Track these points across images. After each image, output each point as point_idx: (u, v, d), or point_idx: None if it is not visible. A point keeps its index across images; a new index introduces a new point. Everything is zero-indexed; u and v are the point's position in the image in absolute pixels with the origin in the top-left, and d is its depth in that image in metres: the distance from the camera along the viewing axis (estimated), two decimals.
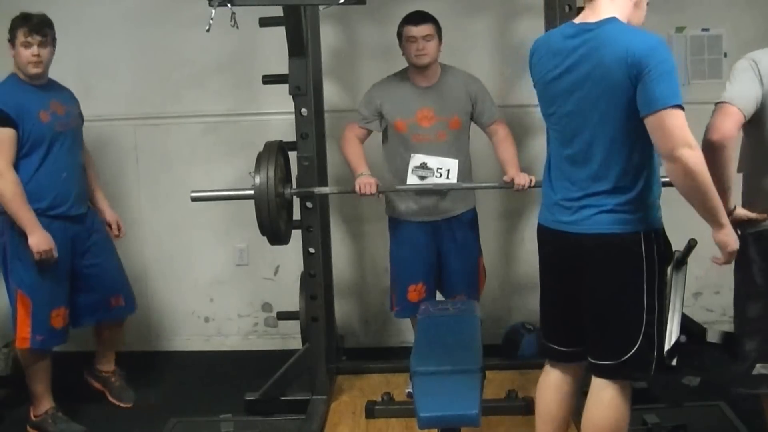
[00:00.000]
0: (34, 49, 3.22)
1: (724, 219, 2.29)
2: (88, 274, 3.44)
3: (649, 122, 2.16)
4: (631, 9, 2.31)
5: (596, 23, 2.26)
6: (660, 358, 2.36)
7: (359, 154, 3.39)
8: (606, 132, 2.26)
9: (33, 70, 3.24)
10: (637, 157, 2.26)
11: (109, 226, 3.60)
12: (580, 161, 2.33)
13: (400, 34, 3.37)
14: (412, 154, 3.34)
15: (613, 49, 2.19)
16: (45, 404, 3.38)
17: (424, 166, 3.33)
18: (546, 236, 2.47)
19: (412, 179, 3.34)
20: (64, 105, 3.38)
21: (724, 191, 2.34)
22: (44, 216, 3.23)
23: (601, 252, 2.31)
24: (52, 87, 3.39)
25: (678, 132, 2.13)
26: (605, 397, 2.38)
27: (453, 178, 3.33)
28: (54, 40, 3.33)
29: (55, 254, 3.21)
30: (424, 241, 3.48)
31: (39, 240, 3.16)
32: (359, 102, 3.50)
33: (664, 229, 2.36)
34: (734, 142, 2.38)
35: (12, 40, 3.25)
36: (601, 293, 2.34)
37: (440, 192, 3.41)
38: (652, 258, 2.30)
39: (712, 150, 2.31)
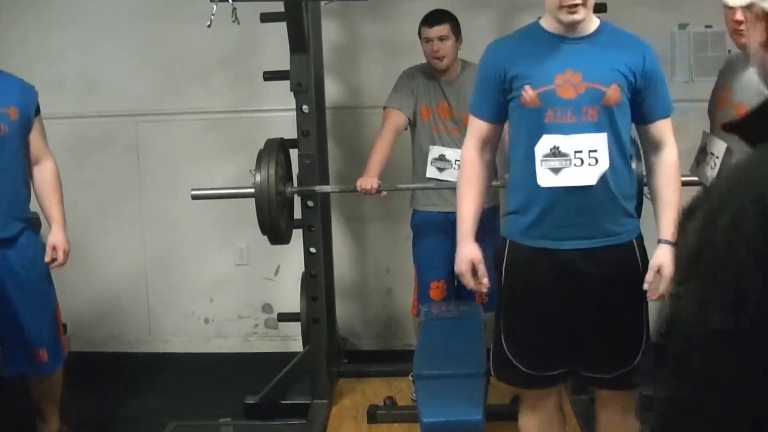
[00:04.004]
0: None
1: (459, 233, 2.36)
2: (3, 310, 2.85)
3: None
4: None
5: None
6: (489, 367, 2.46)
7: (380, 158, 3.27)
8: None
9: None
10: None
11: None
12: None
13: (419, 34, 3.35)
14: (430, 146, 3.34)
15: None
16: None
17: (442, 158, 3.33)
18: None
19: (431, 171, 3.34)
20: None
21: None
22: None
23: None
24: None
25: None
26: None
27: None
28: None
29: None
30: (444, 236, 3.41)
31: None
32: (392, 92, 3.40)
33: (517, 243, 2.33)
34: None
35: None
36: None
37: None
38: (499, 265, 2.39)
39: None
